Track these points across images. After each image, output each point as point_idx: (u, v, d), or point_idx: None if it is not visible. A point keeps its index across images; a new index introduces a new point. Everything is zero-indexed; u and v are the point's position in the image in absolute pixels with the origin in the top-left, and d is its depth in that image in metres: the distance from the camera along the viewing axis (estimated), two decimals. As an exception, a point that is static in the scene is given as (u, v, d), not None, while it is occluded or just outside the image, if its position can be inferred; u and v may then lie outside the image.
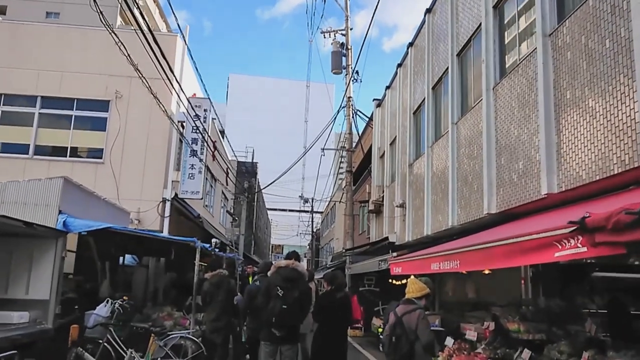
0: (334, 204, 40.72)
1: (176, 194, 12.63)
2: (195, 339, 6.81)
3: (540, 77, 6.59)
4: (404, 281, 14.61)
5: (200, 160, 12.70)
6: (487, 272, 8.92)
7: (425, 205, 11.50)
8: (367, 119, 20.36)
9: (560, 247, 3.47)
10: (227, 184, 24.08)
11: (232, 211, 30.02)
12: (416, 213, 12.52)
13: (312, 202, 49.24)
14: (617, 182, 5.27)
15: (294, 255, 6.31)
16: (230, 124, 65.02)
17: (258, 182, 35.34)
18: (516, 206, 7.22)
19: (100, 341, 6.15)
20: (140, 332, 6.35)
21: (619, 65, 5.15)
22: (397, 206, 13.79)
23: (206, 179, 20.77)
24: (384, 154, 17.61)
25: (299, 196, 48.72)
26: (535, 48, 6.81)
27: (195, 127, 12.50)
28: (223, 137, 32.38)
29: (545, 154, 6.35)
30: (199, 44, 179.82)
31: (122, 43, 7.46)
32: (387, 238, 14.13)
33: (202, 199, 12.98)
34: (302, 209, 51.77)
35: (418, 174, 12.69)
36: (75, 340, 5.90)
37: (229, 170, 24.47)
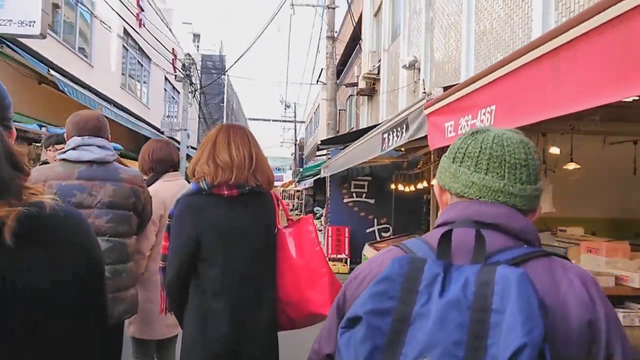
0: (317, 107, 35.24)
1: None
2: None
3: None
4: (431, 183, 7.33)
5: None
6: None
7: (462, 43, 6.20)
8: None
9: None
10: (174, 71, 18.17)
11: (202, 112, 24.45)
12: (443, 66, 7.21)
13: (295, 107, 43.70)
14: None
15: None
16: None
17: (228, 77, 29.46)
18: None
19: None
20: None
21: None
22: (403, 67, 8.42)
23: (127, 49, 15.03)
24: (380, 7, 11.97)
25: (280, 101, 42.91)
26: None
27: None
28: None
29: None
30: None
31: None
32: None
33: (44, 36, 7.03)
34: (283, 116, 46.06)
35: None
36: None
37: (174, 51, 18.55)
